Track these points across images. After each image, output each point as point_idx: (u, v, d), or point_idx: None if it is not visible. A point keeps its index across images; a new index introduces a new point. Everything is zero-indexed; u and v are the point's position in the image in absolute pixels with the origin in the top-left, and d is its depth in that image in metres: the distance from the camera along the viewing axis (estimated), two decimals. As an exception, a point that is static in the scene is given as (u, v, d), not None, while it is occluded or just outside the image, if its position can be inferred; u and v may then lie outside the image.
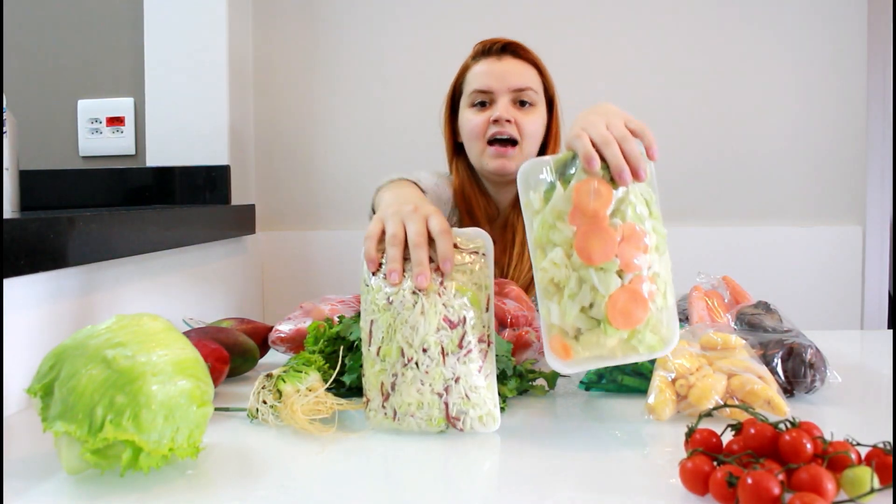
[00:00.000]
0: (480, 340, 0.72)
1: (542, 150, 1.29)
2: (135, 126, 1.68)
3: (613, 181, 0.69)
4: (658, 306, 0.69)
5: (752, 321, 0.91)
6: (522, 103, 1.25)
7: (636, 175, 0.70)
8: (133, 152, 1.68)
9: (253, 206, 1.71)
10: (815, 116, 1.73)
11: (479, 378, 0.71)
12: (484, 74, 1.26)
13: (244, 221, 1.63)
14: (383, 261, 0.74)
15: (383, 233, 0.76)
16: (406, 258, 0.74)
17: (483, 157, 1.26)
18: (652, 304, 0.68)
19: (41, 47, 1.70)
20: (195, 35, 1.60)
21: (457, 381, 0.70)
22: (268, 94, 1.80)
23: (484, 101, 1.26)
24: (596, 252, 0.67)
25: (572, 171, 0.71)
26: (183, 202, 1.61)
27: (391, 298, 0.71)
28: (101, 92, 1.69)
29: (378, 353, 0.71)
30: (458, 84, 1.32)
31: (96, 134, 1.69)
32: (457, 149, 1.34)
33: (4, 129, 1.28)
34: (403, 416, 0.70)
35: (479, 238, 0.76)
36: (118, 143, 1.68)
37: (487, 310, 0.73)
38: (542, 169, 0.73)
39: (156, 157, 1.63)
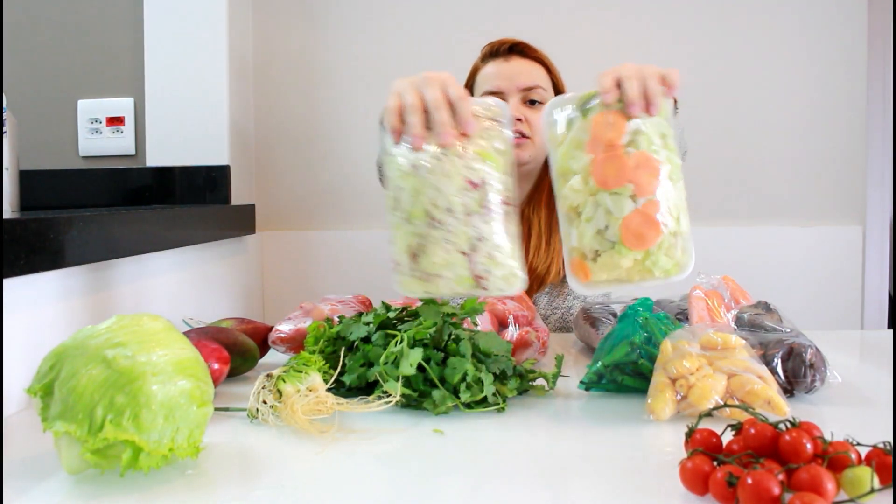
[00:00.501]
0: (503, 202, 0.74)
1: None
2: (135, 126, 1.68)
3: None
4: (671, 230, 0.73)
5: (752, 321, 0.91)
6: (532, 102, 1.27)
7: (648, 110, 0.73)
8: (133, 152, 1.68)
9: (253, 206, 1.71)
10: (816, 117, 1.73)
11: (502, 238, 0.73)
12: (493, 76, 1.29)
13: (244, 221, 1.63)
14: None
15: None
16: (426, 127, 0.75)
17: None
18: (664, 228, 0.72)
19: (41, 47, 1.70)
20: (195, 35, 1.60)
21: (481, 240, 0.72)
22: (268, 94, 1.80)
23: None
24: (610, 177, 0.71)
25: (592, 105, 0.75)
26: (183, 202, 1.61)
27: (415, 163, 0.73)
28: (101, 92, 1.69)
29: (406, 217, 0.73)
30: (469, 87, 1.34)
31: (96, 134, 1.68)
32: None
33: (4, 129, 1.28)
34: (432, 276, 0.72)
35: (496, 106, 0.78)
36: (118, 143, 1.68)
37: (509, 174, 0.75)
38: (565, 104, 0.77)
39: (156, 157, 1.63)
